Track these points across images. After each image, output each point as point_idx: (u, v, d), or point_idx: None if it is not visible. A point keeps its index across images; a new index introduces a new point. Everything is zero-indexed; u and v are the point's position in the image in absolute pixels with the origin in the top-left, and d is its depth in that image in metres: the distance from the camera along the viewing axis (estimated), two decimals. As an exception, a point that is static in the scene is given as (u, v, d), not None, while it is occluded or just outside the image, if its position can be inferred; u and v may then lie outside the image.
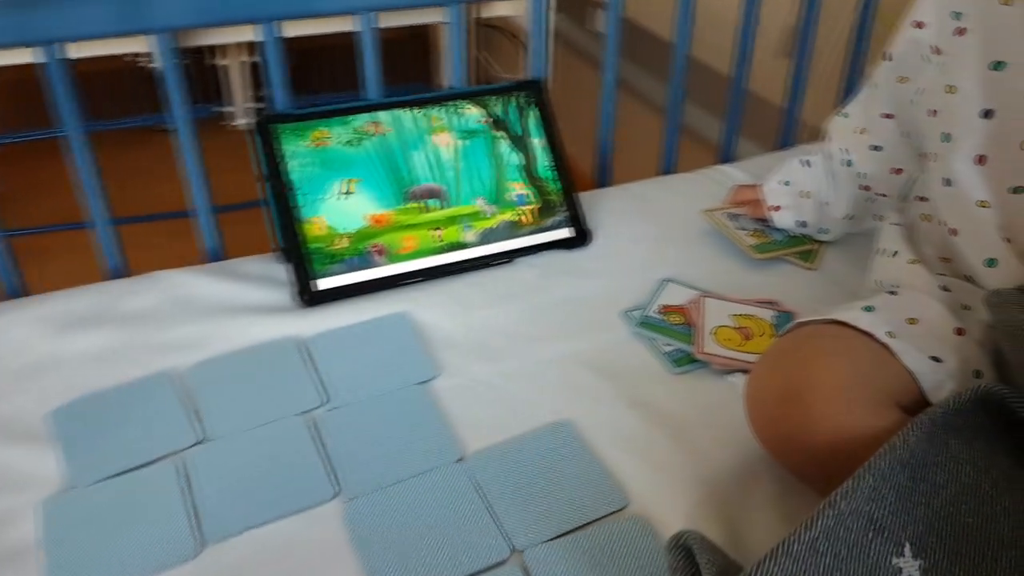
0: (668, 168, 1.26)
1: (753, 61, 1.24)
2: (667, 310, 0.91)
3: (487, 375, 0.84)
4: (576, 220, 1.03)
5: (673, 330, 0.88)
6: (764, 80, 1.28)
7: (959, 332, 0.70)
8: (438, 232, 0.97)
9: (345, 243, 0.94)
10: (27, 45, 0.87)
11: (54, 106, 0.90)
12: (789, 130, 1.32)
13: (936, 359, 0.67)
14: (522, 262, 1.00)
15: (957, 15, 0.74)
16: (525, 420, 0.78)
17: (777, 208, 1.02)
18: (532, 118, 1.06)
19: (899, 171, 0.91)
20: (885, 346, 0.67)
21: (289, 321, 0.89)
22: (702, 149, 1.70)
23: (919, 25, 0.79)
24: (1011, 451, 0.61)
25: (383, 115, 0.99)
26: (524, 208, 1.02)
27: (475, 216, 0.99)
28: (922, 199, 0.87)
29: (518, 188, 1.02)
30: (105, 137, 2.21)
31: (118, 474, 0.72)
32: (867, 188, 0.95)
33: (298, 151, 0.95)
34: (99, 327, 0.87)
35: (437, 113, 1.02)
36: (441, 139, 1.01)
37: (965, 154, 0.73)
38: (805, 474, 0.69)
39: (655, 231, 1.06)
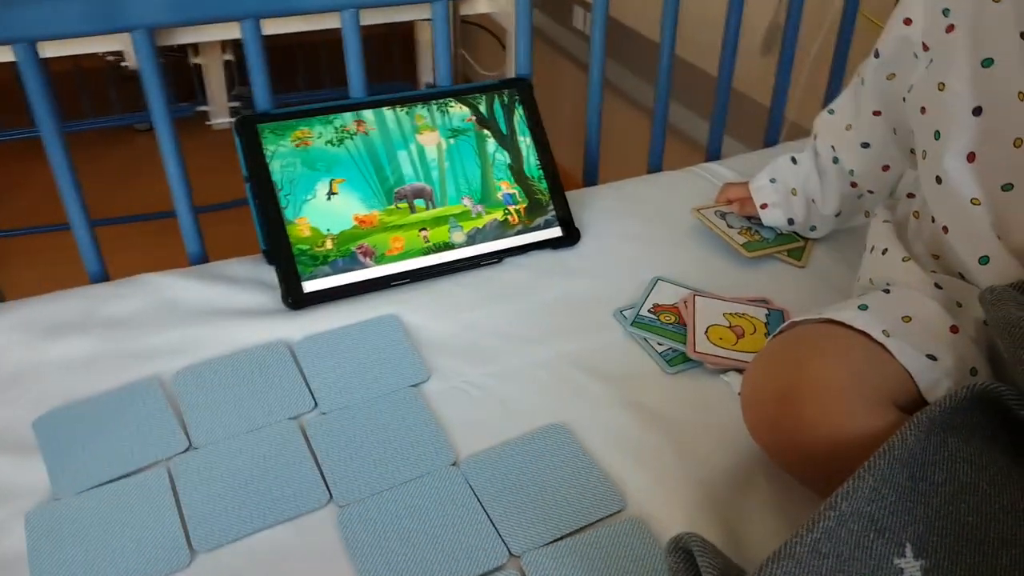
0: (655, 167, 1.26)
1: (737, 59, 1.24)
2: (659, 309, 0.91)
3: (479, 377, 0.83)
4: (565, 219, 1.03)
5: (666, 329, 0.88)
6: (747, 77, 1.28)
7: (954, 329, 0.70)
8: (424, 233, 0.96)
9: (331, 245, 0.92)
10: (1, 43, 0.85)
11: (29, 105, 0.88)
12: (774, 128, 1.32)
13: (932, 357, 0.67)
14: (511, 262, 0.99)
15: (946, 12, 0.74)
16: (519, 422, 0.77)
17: (765, 206, 1.02)
18: (518, 116, 1.05)
19: (887, 168, 0.91)
20: (881, 345, 0.67)
21: (276, 324, 0.87)
22: (685, 147, 1.70)
23: (908, 22, 0.79)
24: (1008, 449, 0.61)
25: (367, 114, 0.98)
26: (512, 207, 1.01)
27: (463, 216, 0.98)
28: (911, 196, 0.87)
29: (505, 187, 1.02)
30: (82, 137, 2.18)
31: (104, 483, 0.70)
32: (855, 185, 0.95)
33: (280, 151, 0.93)
34: (82, 333, 0.85)
35: (422, 112, 1.00)
36: (426, 138, 1.00)
37: (956, 152, 0.73)
38: (802, 474, 0.68)
39: (644, 229, 1.06)
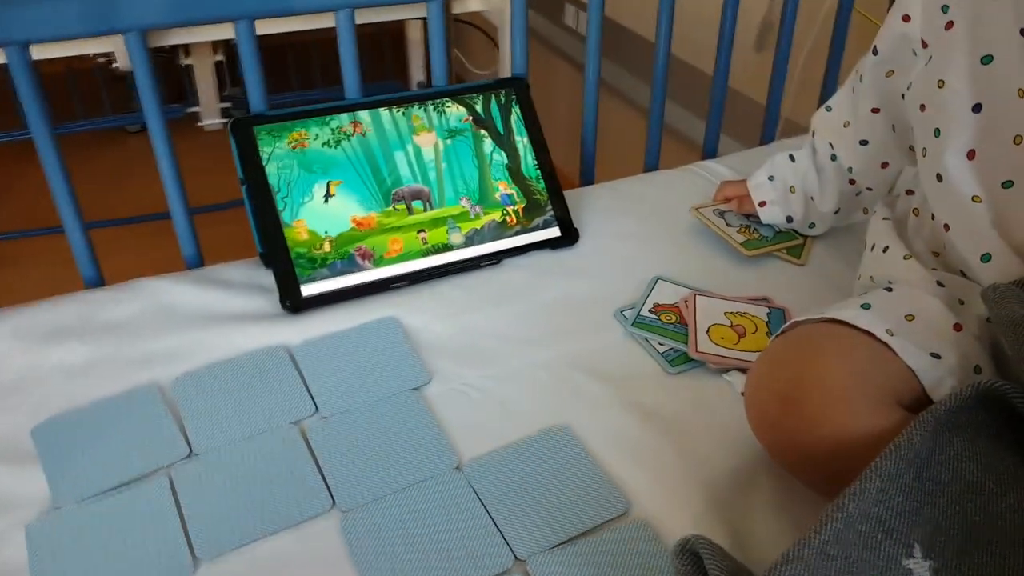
0: (652, 166, 1.25)
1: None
2: (660, 309, 0.90)
3: (480, 379, 0.82)
4: (564, 219, 1.02)
5: (667, 329, 0.88)
6: (740, 74, 1.28)
7: (957, 327, 0.70)
8: (423, 234, 0.96)
9: (329, 247, 0.92)
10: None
11: (19, 107, 0.87)
12: (770, 125, 1.32)
13: (935, 355, 0.67)
14: (510, 263, 0.99)
15: (945, 8, 0.74)
16: (521, 425, 0.77)
17: (764, 203, 1.02)
18: (515, 116, 1.04)
19: (886, 165, 0.91)
20: (885, 344, 0.67)
21: (275, 329, 0.87)
22: (679, 144, 1.70)
23: (906, 19, 0.79)
24: (1013, 447, 0.61)
25: (363, 115, 0.97)
26: (510, 208, 1.01)
27: (461, 217, 0.98)
28: (910, 192, 0.87)
29: (503, 188, 1.01)
30: (73, 139, 2.17)
31: (104, 492, 0.70)
32: (854, 182, 0.95)
33: (276, 153, 0.92)
34: (80, 339, 0.84)
35: (418, 112, 1.00)
36: (423, 139, 0.99)
37: (956, 149, 0.72)
38: (806, 475, 0.68)
39: (643, 229, 1.06)
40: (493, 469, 0.72)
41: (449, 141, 1.00)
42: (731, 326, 0.87)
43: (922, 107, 0.77)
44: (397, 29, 2.44)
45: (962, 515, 0.56)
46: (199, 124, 2.33)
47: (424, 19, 1.06)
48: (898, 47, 0.81)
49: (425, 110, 1.00)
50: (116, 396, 0.78)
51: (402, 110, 0.99)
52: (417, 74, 2.53)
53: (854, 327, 0.68)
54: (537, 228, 1.01)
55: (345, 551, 0.66)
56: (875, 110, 0.88)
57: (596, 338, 0.88)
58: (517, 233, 1.00)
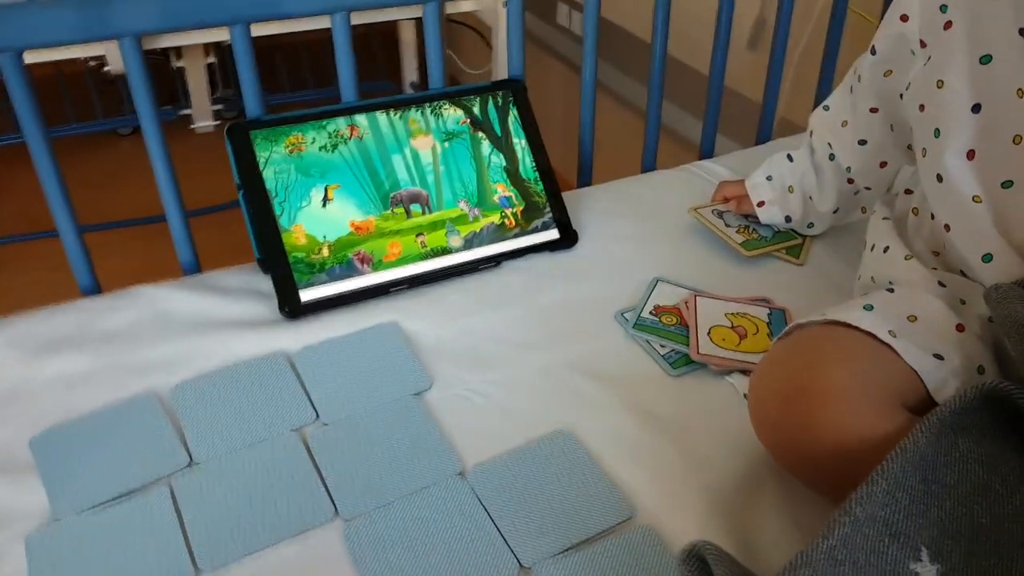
0: (649, 166, 1.25)
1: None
2: (660, 311, 0.90)
3: (481, 384, 0.82)
4: (562, 221, 1.02)
5: (668, 331, 0.87)
6: (734, 73, 1.28)
7: (959, 328, 0.70)
8: (421, 238, 0.95)
9: (327, 252, 0.91)
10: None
11: (11, 111, 0.86)
12: (766, 125, 1.32)
13: (938, 356, 0.67)
14: (509, 266, 0.98)
15: (944, 8, 0.74)
16: (523, 429, 0.76)
17: (763, 203, 1.01)
18: (512, 118, 1.04)
19: (885, 164, 0.91)
20: (887, 346, 0.67)
21: (274, 335, 0.86)
22: (673, 143, 1.70)
23: (904, 19, 0.79)
24: (1019, 448, 0.60)
25: (360, 118, 0.97)
26: (509, 211, 1.00)
27: (459, 220, 0.97)
28: (909, 192, 0.87)
29: (502, 190, 1.01)
30: (65, 142, 2.15)
31: (104, 503, 0.69)
32: (852, 182, 0.95)
33: (273, 158, 0.92)
34: (77, 348, 0.83)
35: (415, 115, 0.99)
36: (421, 142, 0.99)
37: (956, 149, 0.72)
38: (811, 478, 0.68)
39: (642, 230, 1.05)
40: (496, 475, 0.71)
41: (447, 144, 1.00)
42: (732, 327, 0.87)
43: (921, 107, 0.77)
44: (389, 29, 2.43)
45: (969, 518, 0.56)
46: (191, 127, 2.32)
47: (416, 19, 1.05)
48: (896, 47, 0.81)
49: (422, 113, 1.00)
50: (115, 405, 0.78)
51: (399, 113, 0.98)
52: (410, 74, 2.52)
53: (856, 329, 0.68)
54: (536, 230, 1.01)
55: (348, 560, 0.65)
56: (873, 110, 0.88)
57: (597, 340, 0.87)
58: (516, 235, 0.99)
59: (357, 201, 0.94)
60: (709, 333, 0.85)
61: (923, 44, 0.77)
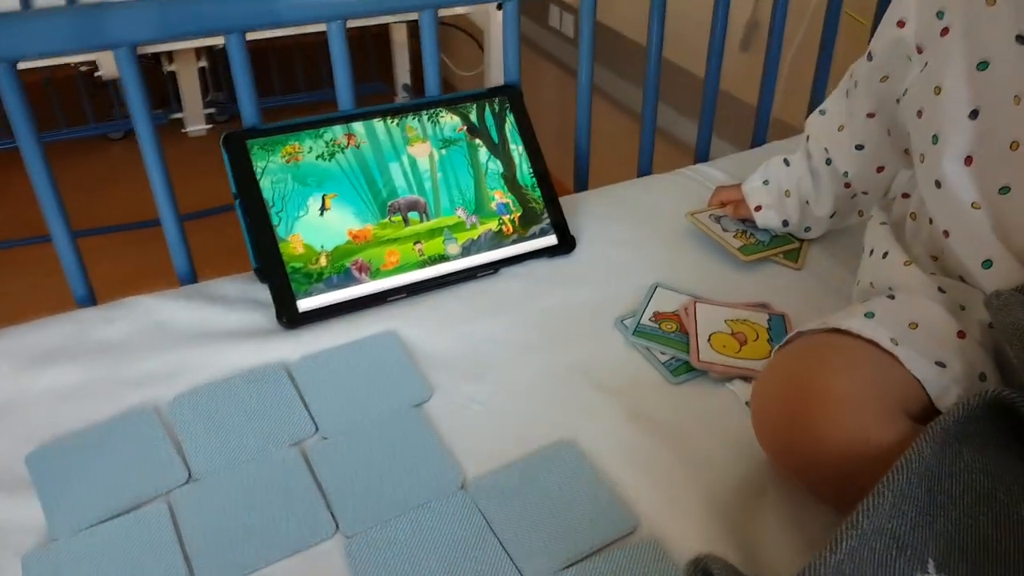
0: (645, 170, 1.25)
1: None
2: (660, 317, 0.90)
3: (481, 393, 0.81)
4: (560, 227, 1.02)
5: (668, 338, 0.87)
6: (726, 75, 1.28)
7: (961, 335, 0.70)
8: (419, 246, 0.95)
9: (325, 261, 0.90)
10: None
11: (4, 119, 0.86)
12: (761, 128, 1.32)
13: (940, 364, 0.67)
14: (507, 272, 0.98)
15: (940, 14, 0.74)
16: (525, 440, 0.76)
17: (760, 208, 1.01)
18: (509, 124, 1.03)
19: (882, 169, 0.91)
20: (889, 354, 0.66)
21: (271, 345, 0.86)
22: (667, 145, 1.70)
23: (901, 24, 0.78)
24: (1022, 456, 0.60)
25: (357, 127, 0.96)
26: (506, 217, 1.00)
27: (457, 227, 0.97)
28: (906, 196, 0.87)
29: (499, 197, 1.00)
30: (55, 147, 2.14)
31: (102, 521, 0.68)
32: (849, 186, 0.95)
33: (270, 167, 0.91)
34: (72, 360, 0.82)
35: (412, 123, 0.99)
36: (418, 149, 0.98)
37: (953, 155, 0.72)
38: (814, 486, 0.68)
39: (639, 234, 1.05)
40: (499, 488, 0.71)
41: (444, 151, 0.99)
42: (732, 334, 0.86)
43: (919, 113, 0.77)
44: (380, 30, 2.42)
45: (975, 528, 0.56)
46: (183, 130, 2.31)
47: (408, 21, 1.05)
48: (893, 52, 0.81)
49: (419, 120, 0.99)
50: (111, 419, 0.77)
51: (396, 121, 0.98)
52: (403, 76, 2.51)
53: (858, 337, 0.68)
54: (534, 236, 1.00)
55: (351, 576, 0.65)
56: (870, 115, 0.88)
57: (597, 348, 0.87)
58: (514, 242, 0.99)
59: (355, 210, 0.93)
60: (709, 340, 0.85)
61: (920, 50, 0.76)
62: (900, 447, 0.59)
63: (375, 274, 0.92)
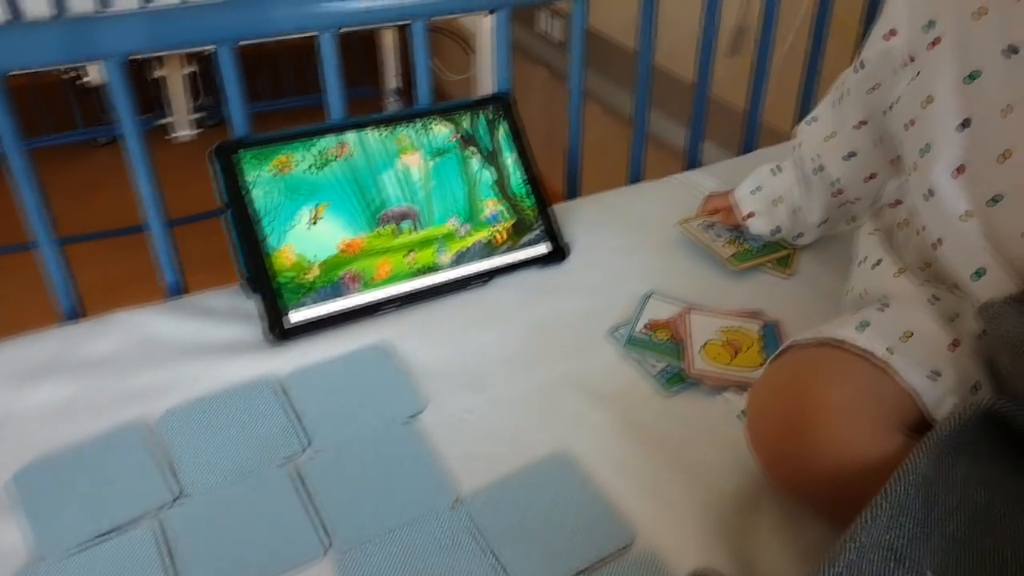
0: (636, 177, 1.25)
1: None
2: (653, 326, 0.90)
3: (474, 405, 0.81)
4: (552, 235, 1.01)
5: (661, 348, 0.87)
6: (715, 79, 1.28)
7: (954, 345, 0.70)
8: (411, 256, 0.94)
9: (316, 273, 0.90)
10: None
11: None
12: (750, 134, 1.32)
13: (935, 374, 0.67)
14: (499, 282, 0.97)
15: (930, 26, 0.74)
16: (519, 452, 0.76)
17: (751, 215, 1.01)
18: (502, 133, 1.03)
19: (872, 177, 0.91)
20: (883, 365, 0.66)
21: (262, 359, 0.85)
22: (656, 150, 1.70)
23: (891, 35, 0.79)
24: (1017, 466, 0.60)
25: (349, 136, 0.96)
26: (499, 226, 0.99)
27: (449, 237, 0.96)
28: (897, 204, 0.87)
29: (491, 206, 1.00)
30: (40, 152, 2.12)
31: (91, 540, 0.67)
32: (840, 193, 0.95)
33: (260, 178, 0.90)
34: (57, 377, 0.81)
35: (404, 132, 0.98)
36: (410, 159, 0.98)
37: (944, 166, 0.72)
38: (809, 499, 0.68)
39: (631, 242, 1.05)
40: (493, 502, 0.70)
41: (436, 160, 0.99)
42: (725, 343, 0.86)
43: (910, 123, 0.77)
44: (368, 34, 2.41)
45: (972, 539, 0.56)
46: (170, 136, 2.29)
47: (397, 27, 1.04)
48: (883, 62, 0.81)
49: (411, 130, 0.98)
50: (101, 436, 0.76)
51: (388, 130, 0.97)
52: (391, 80, 2.50)
53: (852, 347, 0.68)
54: (526, 245, 1.00)
55: (345, 593, 0.64)
56: (860, 124, 0.88)
57: (590, 358, 0.87)
58: (506, 251, 0.99)
59: (346, 220, 0.92)
60: (703, 349, 0.85)
61: (911, 60, 0.77)
62: (894, 459, 0.59)
63: (367, 285, 0.91)
